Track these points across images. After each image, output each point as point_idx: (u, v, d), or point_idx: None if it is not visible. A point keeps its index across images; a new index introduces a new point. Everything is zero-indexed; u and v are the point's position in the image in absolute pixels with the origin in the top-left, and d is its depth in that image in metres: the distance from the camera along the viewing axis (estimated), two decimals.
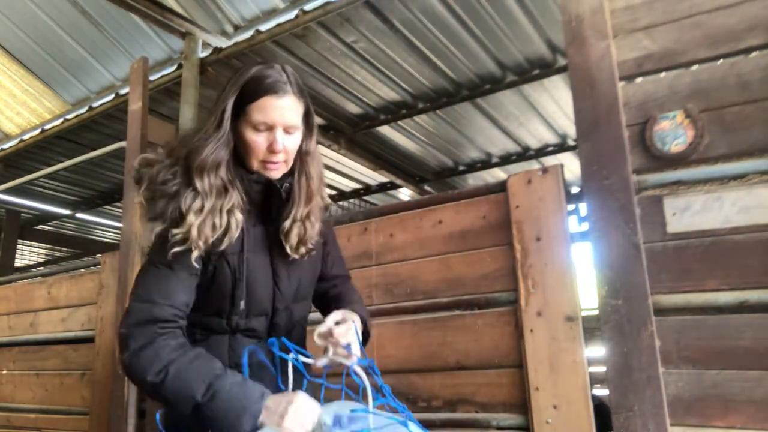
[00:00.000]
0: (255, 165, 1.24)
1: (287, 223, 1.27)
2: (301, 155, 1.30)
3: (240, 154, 1.25)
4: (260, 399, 1.04)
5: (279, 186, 1.27)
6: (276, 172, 1.25)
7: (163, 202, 1.19)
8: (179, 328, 1.16)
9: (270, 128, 1.21)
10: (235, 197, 1.21)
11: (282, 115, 1.21)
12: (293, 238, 1.28)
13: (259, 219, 1.29)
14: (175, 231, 1.15)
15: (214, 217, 1.18)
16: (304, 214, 1.29)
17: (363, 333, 1.29)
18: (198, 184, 1.17)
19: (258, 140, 1.21)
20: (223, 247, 1.19)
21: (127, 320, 1.13)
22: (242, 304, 1.24)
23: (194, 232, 1.15)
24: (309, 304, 1.43)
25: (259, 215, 1.30)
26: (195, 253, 1.16)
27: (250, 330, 1.26)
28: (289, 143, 1.23)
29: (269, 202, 1.28)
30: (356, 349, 1.16)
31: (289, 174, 1.30)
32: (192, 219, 1.15)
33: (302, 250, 1.30)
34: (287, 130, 1.23)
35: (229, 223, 1.19)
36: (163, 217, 1.18)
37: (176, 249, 1.15)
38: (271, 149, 1.21)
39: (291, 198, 1.29)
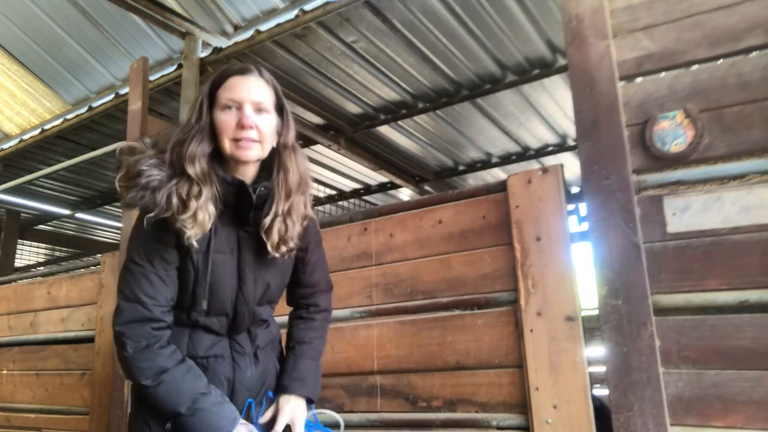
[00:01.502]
0: (228, 146, 1.24)
1: (268, 220, 1.26)
2: (279, 149, 1.30)
3: (217, 147, 1.25)
4: (232, 422, 1.19)
5: (252, 189, 1.26)
6: (248, 152, 1.24)
7: (135, 191, 1.18)
8: (168, 326, 1.23)
9: (239, 107, 1.23)
10: (212, 191, 1.22)
11: (249, 91, 1.24)
12: (274, 235, 1.27)
13: (231, 220, 1.29)
14: (183, 217, 1.17)
15: (207, 203, 1.20)
16: (285, 209, 1.28)
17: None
18: (191, 171, 1.19)
19: (227, 119, 1.23)
20: (194, 240, 1.19)
21: (119, 319, 1.20)
22: (204, 303, 1.26)
23: (200, 216, 1.17)
24: (275, 306, 1.45)
25: (231, 216, 1.29)
26: (196, 233, 1.18)
27: (208, 327, 1.29)
28: (261, 123, 1.24)
29: (241, 205, 1.27)
30: None
31: (266, 179, 1.30)
32: (193, 204, 1.17)
33: (283, 248, 1.29)
34: (257, 108, 1.24)
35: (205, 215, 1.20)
36: (146, 206, 1.18)
37: (189, 232, 1.17)
38: (240, 124, 1.22)
39: (270, 195, 1.28)
